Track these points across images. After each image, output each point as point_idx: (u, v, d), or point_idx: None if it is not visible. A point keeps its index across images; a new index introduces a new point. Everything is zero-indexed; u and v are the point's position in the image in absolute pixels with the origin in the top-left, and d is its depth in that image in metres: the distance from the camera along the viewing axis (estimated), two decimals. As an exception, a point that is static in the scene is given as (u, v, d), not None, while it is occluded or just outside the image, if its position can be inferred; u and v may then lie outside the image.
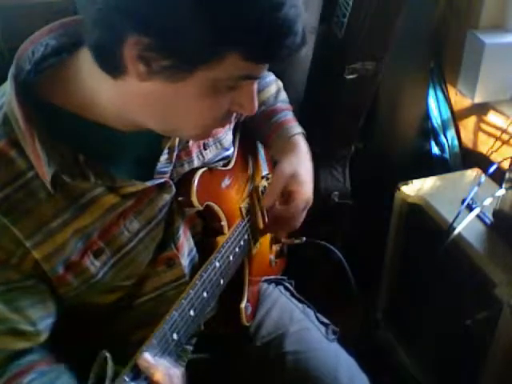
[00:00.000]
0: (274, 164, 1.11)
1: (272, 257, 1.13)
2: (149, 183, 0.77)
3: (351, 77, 1.39)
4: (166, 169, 0.81)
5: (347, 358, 1.02)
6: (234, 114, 0.77)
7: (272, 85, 1.10)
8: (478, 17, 1.50)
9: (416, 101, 1.68)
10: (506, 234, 1.22)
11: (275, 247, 1.15)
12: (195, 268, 0.89)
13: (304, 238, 1.13)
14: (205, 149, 0.89)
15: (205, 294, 0.82)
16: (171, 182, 0.81)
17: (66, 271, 0.73)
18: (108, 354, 0.68)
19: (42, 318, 0.74)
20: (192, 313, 0.79)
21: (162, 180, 0.79)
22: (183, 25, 0.58)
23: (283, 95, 1.12)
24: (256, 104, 0.72)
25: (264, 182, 1.09)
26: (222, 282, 0.88)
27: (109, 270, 0.77)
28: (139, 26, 0.59)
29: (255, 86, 0.71)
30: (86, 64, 0.68)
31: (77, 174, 0.69)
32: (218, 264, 0.87)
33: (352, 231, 1.60)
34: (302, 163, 1.01)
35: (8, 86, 0.68)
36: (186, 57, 0.61)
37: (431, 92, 1.68)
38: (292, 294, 1.12)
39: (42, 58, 0.72)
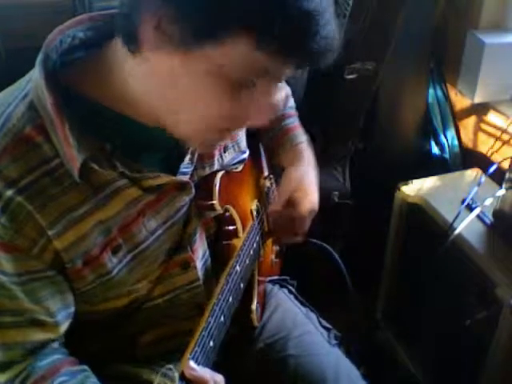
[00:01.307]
0: (274, 167, 1.11)
1: (272, 257, 1.13)
2: (173, 177, 0.76)
3: (351, 77, 1.39)
4: (187, 169, 0.80)
5: (348, 364, 1.02)
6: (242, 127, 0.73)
7: (281, 90, 1.10)
8: (478, 17, 1.50)
9: (416, 101, 1.68)
10: (506, 234, 1.22)
11: (275, 247, 1.15)
12: (208, 272, 0.89)
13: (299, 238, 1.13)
14: (224, 152, 0.89)
15: (230, 299, 0.81)
16: (192, 184, 0.80)
17: (84, 265, 0.72)
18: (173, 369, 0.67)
19: (60, 310, 0.74)
20: (222, 319, 0.78)
21: (185, 179, 0.79)
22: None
23: (291, 102, 1.13)
24: (268, 116, 0.68)
25: (267, 183, 1.09)
26: (242, 285, 0.88)
27: (123, 268, 0.76)
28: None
29: (272, 96, 0.66)
30: (114, 57, 0.68)
31: (105, 163, 0.69)
32: (238, 268, 0.86)
33: (352, 231, 1.60)
34: (307, 173, 1.03)
35: (36, 72, 0.67)
36: (196, 26, 0.58)
37: (431, 92, 1.68)
38: (296, 297, 1.12)
39: (69, 50, 0.71)
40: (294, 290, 1.14)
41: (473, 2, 1.51)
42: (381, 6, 1.29)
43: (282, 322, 1.04)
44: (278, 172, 1.10)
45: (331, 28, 0.60)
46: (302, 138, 1.07)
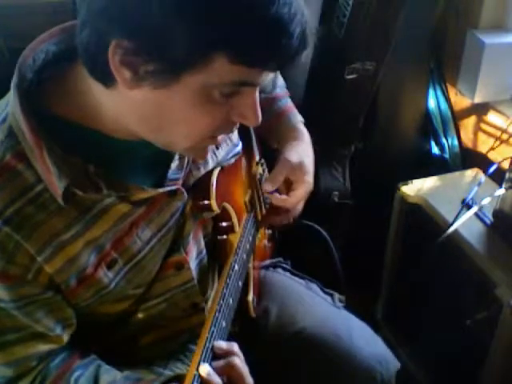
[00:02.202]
0: (266, 150, 1.09)
1: (265, 241, 1.13)
2: (160, 190, 0.75)
3: (351, 77, 1.39)
4: (177, 175, 0.79)
5: (359, 322, 1.03)
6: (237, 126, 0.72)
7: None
8: (478, 17, 1.50)
9: (416, 101, 1.68)
10: (506, 234, 1.22)
11: (268, 232, 1.14)
12: (203, 270, 0.89)
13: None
14: (217, 148, 0.88)
15: (231, 301, 0.81)
16: (183, 190, 0.79)
17: (78, 284, 0.72)
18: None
19: (59, 324, 0.74)
20: (224, 324, 0.77)
21: (174, 187, 0.78)
22: (164, 25, 0.55)
23: (280, 80, 1.10)
24: (259, 114, 0.67)
25: (259, 169, 1.07)
26: (240, 284, 0.87)
27: (120, 280, 0.76)
28: (120, 28, 0.56)
29: (256, 95, 0.66)
30: (85, 77, 0.65)
31: (88, 185, 0.68)
32: (237, 267, 0.86)
33: (352, 231, 1.60)
34: (306, 152, 1.00)
35: (12, 97, 0.66)
36: (170, 60, 0.57)
37: (431, 92, 1.68)
38: (292, 273, 1.12)
39: (44, 66, 0.69)
40: (288, 266, 1.14)
41: (473, 2, 1.51)
42: (381, 6, 1.29)
43: (285, 299, 1.04)
44: (269, 157, 1.08)
45: (298, 19, 0.58)
46: (297, 117, 1.05)
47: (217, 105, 0.63)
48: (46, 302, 0.71)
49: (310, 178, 0.99)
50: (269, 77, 0.64)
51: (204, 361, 0.68)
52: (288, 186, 0.97)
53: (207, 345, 0.70)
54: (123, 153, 0.72)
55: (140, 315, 0.83)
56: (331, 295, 1.08)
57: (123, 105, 0.65)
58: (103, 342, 0.83)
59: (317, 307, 1.03)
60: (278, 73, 1.10)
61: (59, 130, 0.67)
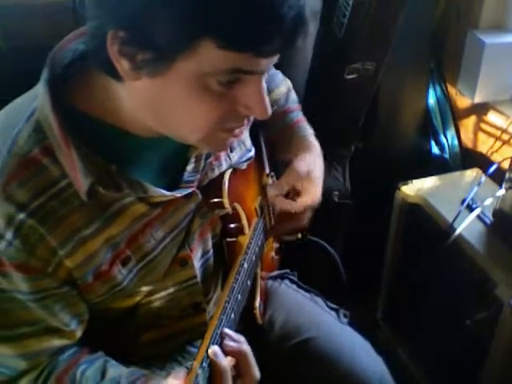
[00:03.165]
0: (275, 164, 1.11)
1: (273, 254, 1.13)
2: (177, 194, 0.76)
3: (351, 77, 1.39)
4: (192, 177, 0.79)
5: (362, 340, 1.03)
6: (249, 119, 0.70)
7: (282, 85, 1.10)
8: (478, 17, 1.50)
9: (416, 101, 1.68)
10: (506, 234, 1.22)
11: (275, 245, 1.15)
12: (208, 270, 0.89)
13: (300, 235, 1.13)
14: (231, 151, 0.88)
15: (239, 297, 0.81)
16: (198, 192, 0.80)
17: (94, 280, 0.73)
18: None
19: (74, 319, 0.75)
20: (233, 316, 0.77)
21: (190, 190, 0.78)
22: (149, 12, 0.55)
23: (293, 95, 1.12)
24: (267, 106, 0.65)
25: (269, 181, 1.08)
26: (249, 283, 0.88)
27: (133, 277, 0.77)
28: (114, 19, 0.57)
29: (262, 85, 0.64)
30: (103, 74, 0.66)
31: (111, 184, 0.69)
32: (246, 265, 0.86)
33: (352, 231, 1.60)
34: (315, 163, 1.01)
35: (41, 91, 0.67)
36: (160, 47, 0.57)
37: (431, 92, 1.68)
38: (298, 286, 1.12)
39: (71, 63, 0.70)
40: (295, 279, 1.14)
41: (473, 2, 1.51)
42: (381, 5, 1.29)
43: (290, 311, 1.04)
44: (279, 170, 1.09)
45: (299, 4, 0.57)
46: (307, 130, 1.07)
47: (216, 94, 0.62)
48: (63, 296, 0.72)
49: (317, 190, 0.99)
50: (270, 63, 0.62)
51: (213, 343, 0.69)
52: (293, 196, 0.98)
53: (216, 330, 0.71)
54: (142, 151, 0.73)
55: (140, 312, 0.84)
56: (336, 310, 1.08)
57: (133, 97, 0.66)
58: (103, 339, 0.84)
59: (321, 321, 1.03)
60: (291, 87, 1.12)
61: (83, 125, 0.68)
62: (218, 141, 0.69)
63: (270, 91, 1.04)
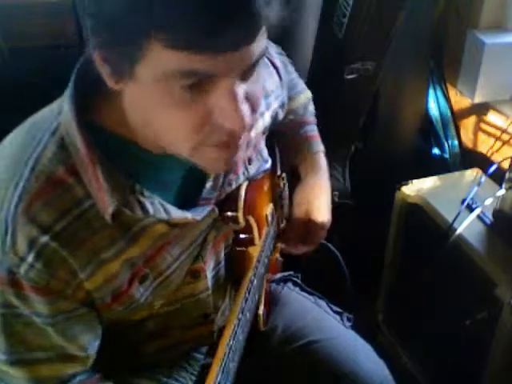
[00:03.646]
0: (285, 165, 1.12)
1: (278, 256, 1.12)
2: (198, 217, 0.74)
3: (351, 77, 1.39)
4: (210, 195, 0.78)
5: (365, 344, 1.03)
6: (247, 137, 0.65)
7: (302, 94, 1.09)
8: (478, 17, 1.50)
9: (416, 101, 1.68)
10: (506, 234, 1.22)
11: (281, 245, 1.14)
12: (219, 281, 0.88)
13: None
14: (249, 164, 0.87)
15: (248, 315, 0.80)
16: (215, 208, 0.78)
17: (113, 300, 0.72)
18: None
19: (91, 343, 0.74)
20: (241, 337, 0.76)
21: (209, 207, 0.77)
22: (102, 12, 0.54)
23: (311, 107, 1.12)
24: (242, 114, 0.59)
25: (280, 183, 1.09)
26: (257, 297, 0.87)
27: (150, 294, 0.76)
28: (89, 21, 0.56)
29: (235, 91, 0.58)
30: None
31: (135, 205, 0.67)
32: (256, 281, 0.86)
33: (352, 231, 1.59)
34: (320, 184, 1.06)
35: (66, 107, 0.65)
36: (118, 52, 0.56)
37: (431, 92, 1.68)
38: (301, 288, 1.12)
39: (95, 78, 0.65)
40: (299, 281, 1.14)
41: (473, 2, 1.51)
42: (381, 5, 1.29)
43: (293, 314, 1.04)
44: (289, 171, 1.11)
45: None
46: (319, 147, 1.09)
47: (185, 101, 0.58)
48: (81, 318, 0.71)
49: (322, 212, 1.03)
50: (236, 64, 0.56)
51: (219, 378, 0.68)
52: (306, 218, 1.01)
53: (223, 364, 0.70)
54: (162, 169, 0.72)
55: (150, 322, 0.83)
56: (340, 314, 1.07)
57: (128, 108, 0.64)
58: (110, 346, 0.82)
59: (325, 324, 1.03)
60: (311, 99, 1.13)
61: (106, 142, 0.66)
62: (210, 159, 0.65)
63: (290, 98, 1.04)
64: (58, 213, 0.64)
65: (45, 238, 0.64)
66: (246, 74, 0.59)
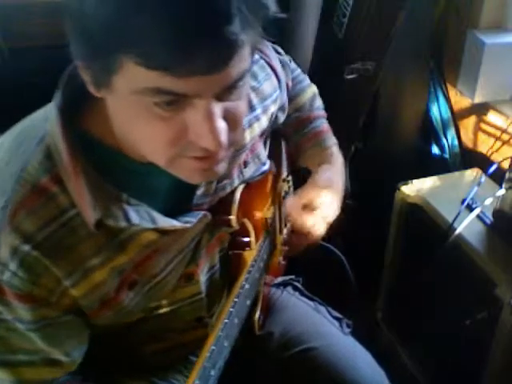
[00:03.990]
0: (293, 169, 1.10)
1: (280, 259, 1.11)
2: (188, 224, 0.74)
3: (351, 77, 1.39)
4: (202, 200, 0.78)
5: (364, 351, 1.02)
6: (228, 152, 0.65)
7: (307, 90, 1.08)
8: (478, 17, 1.50)
9: (416, 101, 1.68)
10: (506, 234, 1.22)
11: (284, 248, 1.13)
12: (213, 284, 0.87)
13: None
14: (245, 167, 0.86)
15: (236, 321, 0.78)
16: (208, 214, 0.77)
17: (101, 307, 0.72)
18: None
19: (76, 348, 0.74)
20: (226, 343, 0.74)
21: (200, 215, 0.76)
22: (81, 23, 0.54)
23: (318, 101, 1.10)
24: (217, 135, 0.58)
25: (285, 186, 1.06)
26: (248, 302, 0.85)
27: (140, 299, 0.76)
28: (69, 33, 0.56)
29: (211, 111, 0.57)
30: None
31: (120, 216, 0.67)
32: (247, 286, 0.84)
33: (352, 231, 1.59)
34: (336, 177, 1.01)
35: (53, 116, 0.65)
36: (97, 61, 0.56)
37: (431, 92, 1.68)
38: (301, 293, 1.11)
39: (82, 85, 0.64)
40: (299, 285, 1.13)
41: (473, 2, 1.51)
42: (381, 5, 1.29)
43: (291, 320, 1.03)
44: (299, 176, 1.08)
45: (224, 14, 0.50)
46: (331, 141, 1.06)
47: (159, 117, 0.57)
48: (66, 324, 0.71)
49: (334, 205, 0.98)
50: (210, 85, 0.55)
51: (199, 379, 0.66)
52: (311, 210, 0.96)
53: (205, 364, 0.68)
54: (147, 177, 0.71)
55: (143, 325, 0.82)
56: (339, 320, 1.06)
57: (112, 118, 0.64)
58: (104, 351, 0.82)
59: (324, 330, 1.02)
60: (317, 93, 1.10)
61: (92, 149, 0.66)
62: (187, 170, 0.64)
63: (295, 96, 1.03)
64: (42, 221, 0.64)
65: (27, 247, 0.63)
66: (222, 94, 0.58)
